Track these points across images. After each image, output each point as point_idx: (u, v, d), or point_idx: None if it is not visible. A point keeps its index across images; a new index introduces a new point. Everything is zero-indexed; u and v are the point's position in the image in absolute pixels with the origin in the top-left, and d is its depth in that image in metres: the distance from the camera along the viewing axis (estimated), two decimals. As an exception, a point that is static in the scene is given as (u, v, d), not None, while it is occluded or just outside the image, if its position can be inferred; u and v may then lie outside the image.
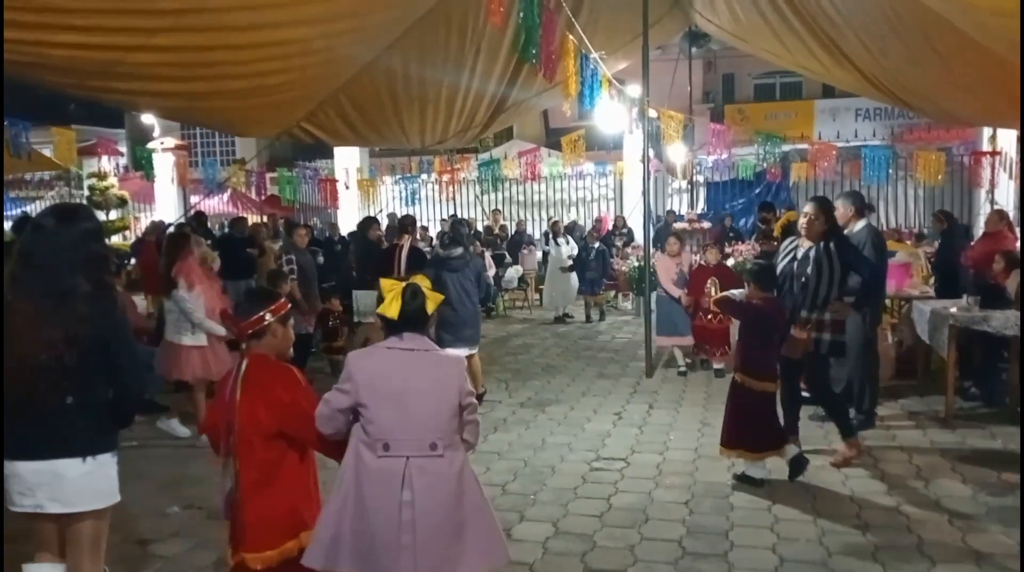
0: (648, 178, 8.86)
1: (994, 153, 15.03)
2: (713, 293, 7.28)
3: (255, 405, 2.90)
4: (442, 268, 7.05)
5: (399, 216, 15.88)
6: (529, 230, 16.59)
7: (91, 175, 18.04)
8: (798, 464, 5.15)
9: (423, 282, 2.96)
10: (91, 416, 2.98)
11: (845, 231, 5.82)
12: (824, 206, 5.57)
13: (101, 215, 17.90)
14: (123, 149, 21.26)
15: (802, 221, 5.55)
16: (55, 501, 2.94)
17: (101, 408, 3.01)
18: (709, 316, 8.05)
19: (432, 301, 2.91)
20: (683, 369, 8.43)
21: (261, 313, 3.00)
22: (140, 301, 7.91)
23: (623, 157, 16.50)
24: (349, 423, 2.83)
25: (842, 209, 6.07)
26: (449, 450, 2.79)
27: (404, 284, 2.93)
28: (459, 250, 7.32)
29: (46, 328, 2.84)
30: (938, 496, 4.92)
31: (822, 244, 5.37)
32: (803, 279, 5.39)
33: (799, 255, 5.49)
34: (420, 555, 2.66)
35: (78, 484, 2.96)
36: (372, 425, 2.76)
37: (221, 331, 6.23)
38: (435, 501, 2.72)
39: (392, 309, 2.86)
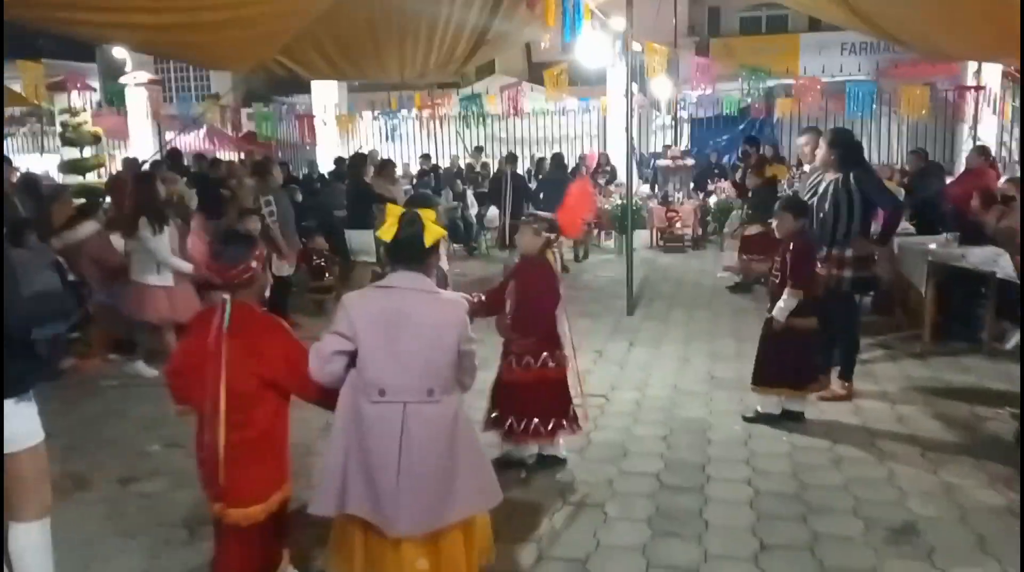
0: (631, 114, 8.74)
1: (978, 88, 14.96)
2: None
3: (245, 357, 2.81)
4: None
5: (378, 154, 15.76)
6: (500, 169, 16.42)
7: (63, 111, 17.60)
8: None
9: (428, 214, 2.84)
10: None
11: (814, 177, 5.70)
12: (832, 136, 5.49)
13: (75, 153, 17.56)
14: (96, 84, 20.73)
15: (803, 151, 5.50)
16: None
17: None
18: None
19: (431, 233, 2.78)
20: None
21: (248, 261, 2.89)
22: (117, 240, 7.78)
23: (607, 92, 16.26)
24: (346, 368, 2.75)
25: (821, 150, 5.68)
26: (445, 395, 2.74)
27: (404, 210, 2.85)
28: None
29: None
30: (912, 430, 5.01)
31: (840, 177, 5.30)
32: (820, 215, 5.33)
33: (820, 189, 5.42)
34: (418, 497, 2.66)
35: None
36: (368, 370, 2.69)
37: (187, 267, 6.19)
38: (431, 445, 2.70)
39: (388, 232, 2.79)
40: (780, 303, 4.94)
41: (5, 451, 2.94)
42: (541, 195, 10.85)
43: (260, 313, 2.97)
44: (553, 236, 4.40)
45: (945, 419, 5.16)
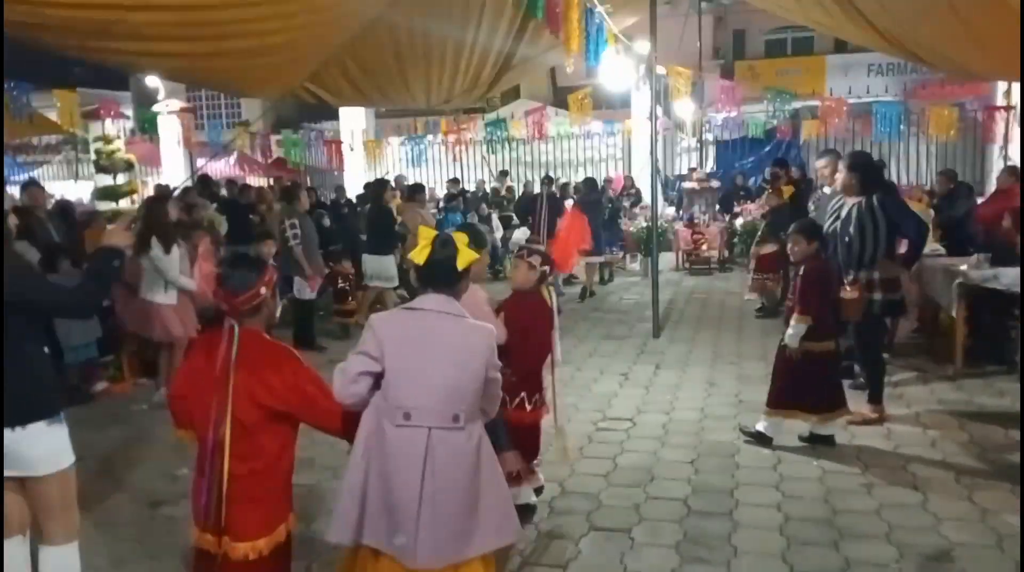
0: (656, 137, 8.74)
1: (1008, 108, 14.79)
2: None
3: (252, 387, 2.71)
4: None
5: (405, 178, 15.89)
6: (536, 191, 16.46)
7: (97, 139, 17.96)
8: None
9: (460, 237, 2.79)
10: (16, 385, 2.93)
11: (836, 200, 5.67)
12: (851, 160, 5.49)
13: (108, 179, 17.89)
14: (128, 112, 21.15)
15: (838, 179, 5.49)
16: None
17: (26, 375, 2.96)
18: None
19: (464, 257, 2.73)
20: None
21: (256, 288, 2.78)
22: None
23: (631, 115, 16.30)
24: (372, 390, 2.67)
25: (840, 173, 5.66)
26: (470, 423, 2.68)
27: (438, 233, 2.80)
28: None
29: None
30: (945, 454, 4.92)
31: (863, 201, 5.28)
32: (846, 238, 5.30)
33: (843, 214, 5.40)
34: (439, 527, 2.58)
35: (12, 452, 2.95)
36: (393, 392, 2.62)
37: (192, 286, 6.39)
38: (455, 475, 2.62)
39: (421, 255, 2.73)
40: (789, 330, 4.92)
41: (35, 473, 3.00)
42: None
43: (269, 342, 2.86)
44: (547, 270, 4.15)
45: (979, 443, 5.06)
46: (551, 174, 13.60)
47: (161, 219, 6.39)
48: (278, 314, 3.09)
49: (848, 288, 5.22)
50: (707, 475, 4.72)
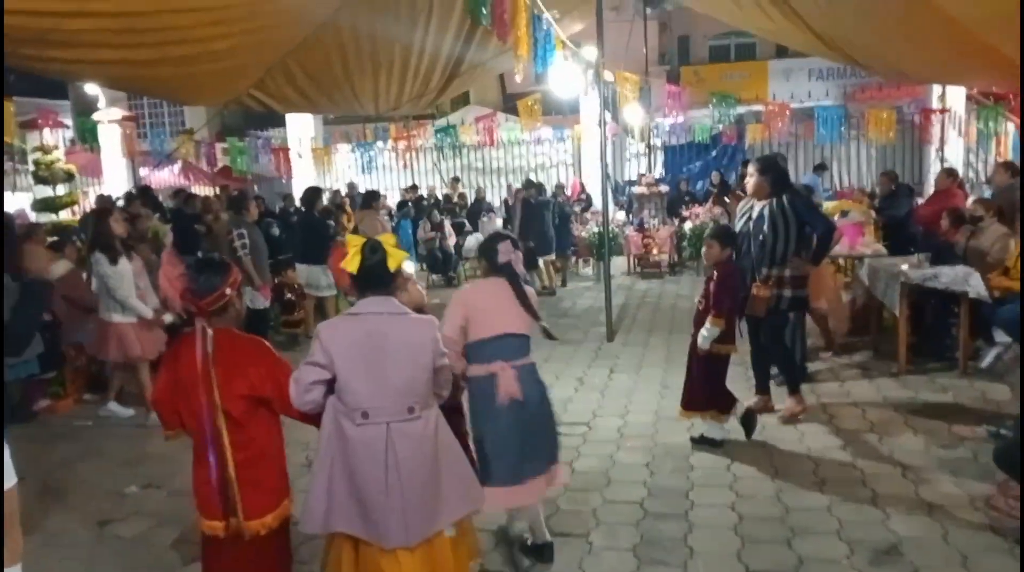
0: (606, 142, 8.82)
1: (943, 111, 15.26)
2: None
3: (234, 379, 2.86)
4: None
5: (356, 186, 15.75)
6: (489, 197, 16.49)
7: (35, 149, 17.44)
8: (749, 420, 5.23)
9: (387, 239, 2.91)
10: None
11: (744, 203, 5.80)
12: (761, 163, 5.65)
13: (48, 191, 17.39)
14: (68, 121, 20.61)
15: (748, 182, 5.63)
16: None
17: None
18: None
19: (394, 258, 2.86)
20: None
21: (221, 288, 2.92)
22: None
23: (580, 121, 16.42)
24: (325, 395, 2.82)
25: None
26: (425, 410, 2.84)
27: (365, 240, 2.89)
28: None
29: None
30: (891, 450, 5.03)
31: (774, 201, 5.42)
32: (760, 237, 5.43)
33: (753, 214, 5.54)
34: (408, 511, 2.75)
35: None
36: (349, 395, 2.76)
37: (148, 313, 6.07)
38: (417, 461, 2.78)
39: (352, 264, 2.85)
40: (703, 331, 5.04)
41: None
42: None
43: (242, 336, 3.01)
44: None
45: (923, 438, 5.19)
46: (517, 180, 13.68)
47: (106, 232, 6.16)
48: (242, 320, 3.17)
49: (759, 284, 5.37)
50: (662, 477, 4.76)
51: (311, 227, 9.07)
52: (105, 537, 4.32)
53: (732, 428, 5.24)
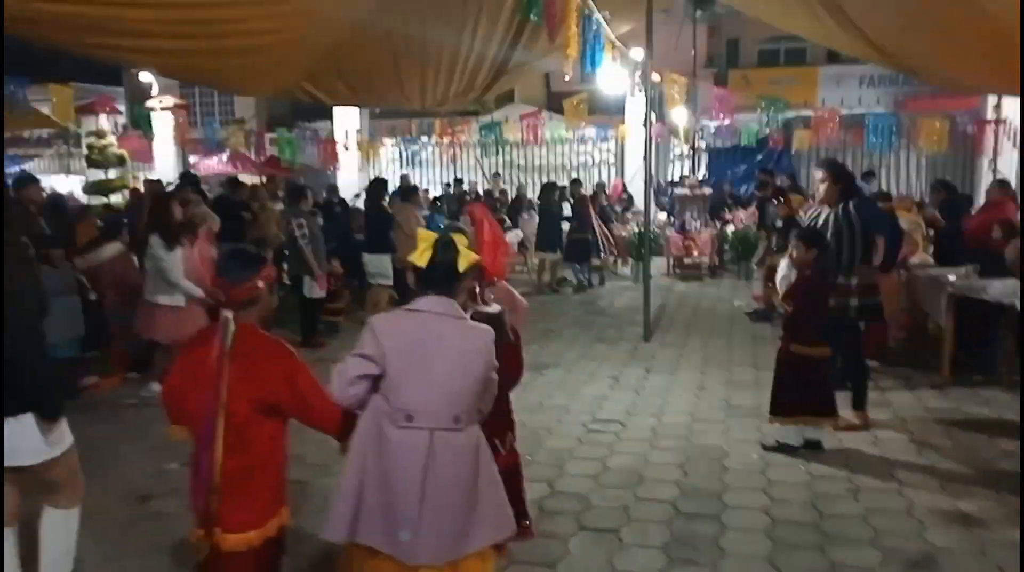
0: (650, 143, 8.79)
1: (998, 121, 14.91)
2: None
3: (244, 380, 2.72)
4: None
5: (408, 179, 15.89)
6: (530, 195, 16.52)
7: (90, 134, 17.89)
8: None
9: (460, 239, 2.78)
10: (20, 375, 2.97)
11: (812, 209, 5.72)
12: (834, 168, 5.53)
13: (100, 174, 17.83)
14: (122, 107, 21.09)
15: (818, 186, 5.54)
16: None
17: (14, 369, 2.96)
18: None
19: (465, 259, 2.73)
20: None
21: (253, 280, 2.81)
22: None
23: (625, 121, 16.36)
24: (369, 391, 2.66)
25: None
26: (470, 424, 2.70)
27: (439, 235, 2.79)
28: None
29: None
30: (931, 461, 4.96)
31: (840, 207, 5.33)
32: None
33: (820, 222, 5.45)
34: (440, 526, 2.60)
35: (10, 441, 3.00)
36: (395, 394, 2.62)
37: (198, 292, 6.19)
38: (456, 474, 2.64)
39: (423, 258, 2.73)
40: (780, 269, 5.14)
41: (38, 460, 3.09)
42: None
43: (263, 335, 2.87)
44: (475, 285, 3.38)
45: (965, 451, 5.11)
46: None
47: (165, 217, 6.29)
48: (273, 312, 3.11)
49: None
50: (695, 478, 4.75)
51: (378, 218, 9.26)
52: (145, 513, 4.43)
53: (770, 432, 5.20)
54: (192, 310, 6.28)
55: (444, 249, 2.72)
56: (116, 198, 16.83)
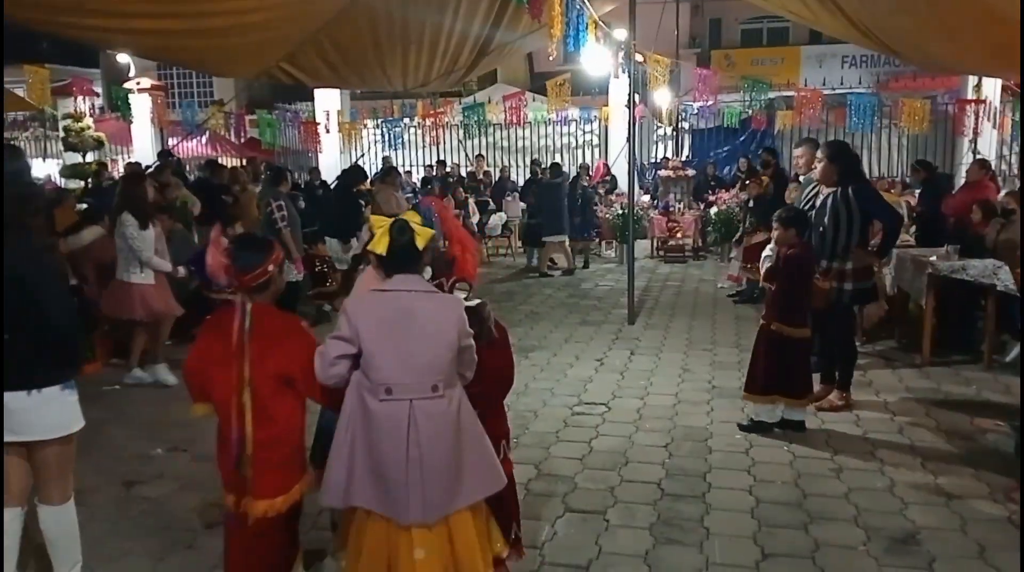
0: (634, 124, 8.78)
1: (978, 102, 15.01)
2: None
3: (267, 357, 2.88)
4: None
5: (391, 161, 15.81)
6: (513, 177, 16.48)
7: (66, 116, 17.63)
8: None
9: (412, 218, 2.90)
10: (29, 352, 3.06)
11: (809, 189, 5.72)
12: (831, 149, 5.49)
13: (77, 157, 17.59)
14: (99, 89, 20.79)
15: (816, 167, 5.51)
16: (9, 431, 3.10)
17: (36, 345, 3.07)
18: None
19: (422, 237, 2.84)
20: None
21: (264, 265, 2.94)
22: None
23: (608, 102, 16.32)
24: (351, 370, 2.81)
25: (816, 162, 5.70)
26: (449, 389, 2.81)
27: (392, 220, 2.87)
28: None
29: None
30: (912, 440, 5.02)
31: (839, 190, 5.31)
32: (820, 229, 5.34)
33: (817, 203, 5.45)
34: (428, 488, 2.73)
35: (25, 416, 3.09)
36: (373, 371, 2.74)
37: (168, 267, 6.37)
38: (439, 439, 2.76)
39: (380, 245, 2.82)
40: (766, 251, 5.12)
41: (40, 437, 3.16)
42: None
43: (279, 313, 3.04)
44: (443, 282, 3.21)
45: (945, 430, 5.18)
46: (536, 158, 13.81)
47: (138, 196, 6.31)
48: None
49: (820, 277, 5.29)
50: (680, 459, 4.79)
51: (344, 202, 9.26)
52: (131, 497, 4.42)
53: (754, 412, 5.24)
54: (161, 285, 6.40)
55: (400, 232, 2.84)
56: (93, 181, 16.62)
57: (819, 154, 5.49)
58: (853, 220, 5.28)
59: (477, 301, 3.10)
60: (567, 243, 11.75)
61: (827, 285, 5.28)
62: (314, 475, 3.11)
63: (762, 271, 5.25)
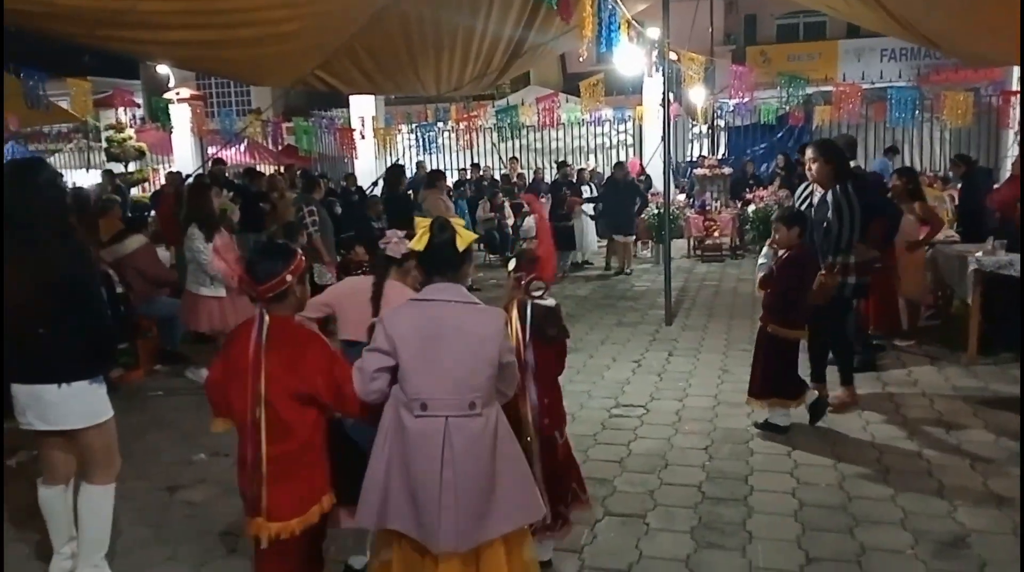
0: (668, 123, 8.71)
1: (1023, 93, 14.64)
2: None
3: (282, 372, 2.75)
4: None
5: (425, 165, 15.91)
6: (547, 178, 16.44)
7: (108, 127, 18.03)
8: (818, 408, 5.15)
9: (456, 221, 2.81)
10: (63, 347, 3.29)
11: (803, 188, 5.67)
12: (823, 149, 5.47)
13: (119, 167, 17.96)
14: (139, 100, 21.21)
15: (808, 167, 5.48)
16: (40, 420, 3.36)
17: (73, 341, 3.30)
18: None
19: (463, 239, 2.75)
20: None
21: (282, 274, 2.79)
22: (164, 253, 8.01)
23: (643, 101, 16.22)
24: (391, 383, 2.70)
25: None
26: (487, 408, 2.69)
27: (433, 219, 2.80)
28: None
29: (18, 272, 3.25)
30: (959, 441, 4.91)
31: (838, 187, 5.28)
32: (824, 224, 5.30)
33: (815, 201, 5.40)
34: (461, 512, 2.61)
35: (57, 407, 3.32)
36: (409, 385, 2.64)
37: (234, 284, 6.25)
38: (474, 460, 2.64)
39: (420, 242, 2.74)
40: (761, 258, 5.15)
41: (74, 426, 3.38)
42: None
43: (297, 327, 2.91)
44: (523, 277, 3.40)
45: (993, 430, 5.05)
46: (566, 160, 13.77)
47: (205, 208, 6.32)
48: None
49: (824, 272, 5.23)
50: (721, 461, 4.73)
51: (396, 203, 9.32)
52: (174, 502, 4.48)
53: (796, 414, 5.17)
54: (235, 299, 6.31)
55: (440, 230, 2.76)
56: (136, 191, 16.96)
57: (810, 154, 5.44)
58: (855, 215, 5.25)
59: (553, 301, 3.18)
60: (631, 243, 11.86)
61: (835, 280, 5.22)
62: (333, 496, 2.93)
63: (757, 277, 5.18)
